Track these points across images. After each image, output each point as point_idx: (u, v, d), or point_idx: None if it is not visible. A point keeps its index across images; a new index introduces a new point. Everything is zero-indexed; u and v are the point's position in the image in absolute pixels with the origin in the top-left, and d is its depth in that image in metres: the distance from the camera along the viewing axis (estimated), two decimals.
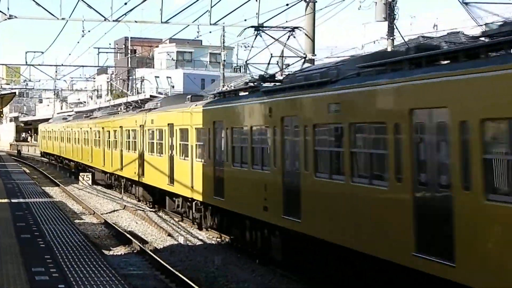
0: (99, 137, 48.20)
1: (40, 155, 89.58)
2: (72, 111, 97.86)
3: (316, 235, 16.92)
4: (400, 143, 13.42)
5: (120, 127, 40.86)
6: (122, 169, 40.60)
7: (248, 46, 68.52)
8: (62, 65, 74.37)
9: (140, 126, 35.34)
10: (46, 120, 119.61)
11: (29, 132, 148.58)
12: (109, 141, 44.38)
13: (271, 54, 25.71)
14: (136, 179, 36.69)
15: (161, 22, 33.78)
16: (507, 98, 10.67)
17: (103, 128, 46.55)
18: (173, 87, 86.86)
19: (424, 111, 12.83)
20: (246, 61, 27.39)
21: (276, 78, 22.55)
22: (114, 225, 29.20)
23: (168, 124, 30.33)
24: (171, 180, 30.15)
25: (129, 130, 38.76)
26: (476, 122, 11.29)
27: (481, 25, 25.68)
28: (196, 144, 26.88)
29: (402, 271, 13.59)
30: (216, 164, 24.26)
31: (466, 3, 21.50)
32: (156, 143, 32.69)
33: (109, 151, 44.52)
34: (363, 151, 14.94)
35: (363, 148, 14.98)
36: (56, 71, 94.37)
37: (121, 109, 48.31)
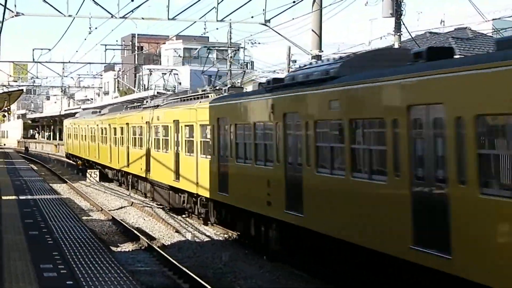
0: (164, 136, 32.79)
1: (65, 157, 75.89)
2: (79, 107, 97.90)
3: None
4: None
5: (217, 119, 25.03)
6: (227, 192, 23.84)
7: (255, 43, 68.45)
8: (69, 62, 74.79)
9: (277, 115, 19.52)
10: (53, 117, 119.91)
11: (37, 129, 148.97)
12: (190, 142, 28.77)
13: None
14: (265, 212, 20.54)
15: (168, 19, 33.85)
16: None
17: (175, 121, 30.86)
18: (180, 83, 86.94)
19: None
20: None
21: None
22: (121, 222, 29.24)
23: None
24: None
25: (256, 125, 21.34)
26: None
27: (488, 21, 25.66)
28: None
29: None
30: None
31: None
32: (331, 148, 16.65)
33: (190, 158, 28.74)
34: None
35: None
36: (63, 68, 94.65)
37: (206, 90, 29.85)
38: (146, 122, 36.75)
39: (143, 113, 37.85)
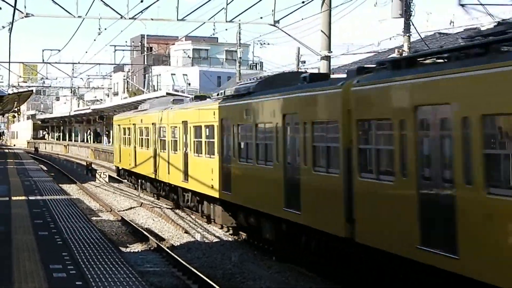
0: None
1: (116, 173, 50.52)
2: (89, 108, 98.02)
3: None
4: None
5: None
6: None
7: (265, 43, 68.44)
8: (78, 62, 75.03)
9: None
10: (63, 118, 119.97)
11: (46, 129, 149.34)
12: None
13: None
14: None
15: (177, 19, 33.90)
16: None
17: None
18: (189, 84, 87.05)
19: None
20: None
21: None
22: (131, 222, 29.26)
23: None
24: None
25: None
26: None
27: (497, 21, 25.50)
28: None
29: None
30: None
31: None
32: None
33: None
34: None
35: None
36: (72, 69, 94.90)
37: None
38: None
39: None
